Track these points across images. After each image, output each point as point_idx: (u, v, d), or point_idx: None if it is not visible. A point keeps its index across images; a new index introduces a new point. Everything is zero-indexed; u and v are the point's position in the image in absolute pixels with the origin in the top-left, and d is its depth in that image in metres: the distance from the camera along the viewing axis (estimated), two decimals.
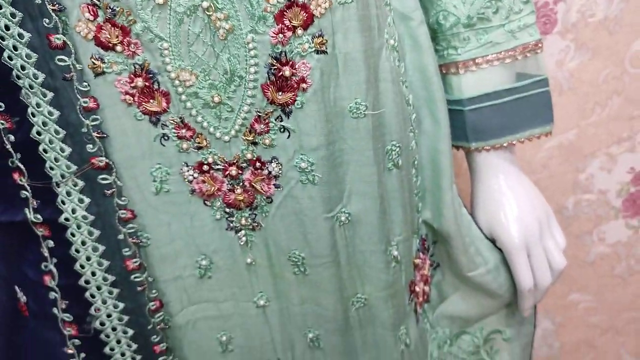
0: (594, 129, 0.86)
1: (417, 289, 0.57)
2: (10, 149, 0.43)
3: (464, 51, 0.53)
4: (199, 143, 0.45)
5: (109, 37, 0.41)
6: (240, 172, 0.47)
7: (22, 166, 0.44)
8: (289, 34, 0.42)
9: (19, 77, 0.41)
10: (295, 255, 0.50)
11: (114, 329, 0.49)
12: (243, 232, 0.49)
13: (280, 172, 0.47)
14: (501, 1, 0.51)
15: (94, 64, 0.42)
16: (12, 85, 0.41)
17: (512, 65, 0.54)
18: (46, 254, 0.46)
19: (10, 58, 0.40)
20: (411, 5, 0.50)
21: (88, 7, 0.40)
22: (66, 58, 0.41)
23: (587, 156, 0.89)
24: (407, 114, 0.52)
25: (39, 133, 0.42)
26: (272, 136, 0.45)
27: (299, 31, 0.42)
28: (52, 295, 0.48)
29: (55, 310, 0.48)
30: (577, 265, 0.97)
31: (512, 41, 0.53)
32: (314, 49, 0.43)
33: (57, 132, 0.42)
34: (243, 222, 0.49)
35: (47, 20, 0.40)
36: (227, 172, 0.47)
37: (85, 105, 0.42)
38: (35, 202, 0.45)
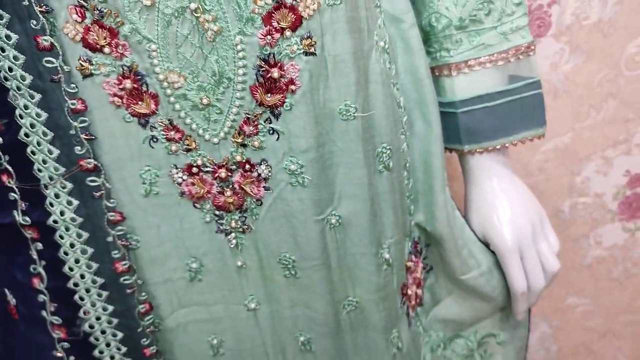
0: (589, 132, 0.86)
1: (409, 292, 0.57)
2: None
3: (456, 53, 0.53)
4: (188, 145, 0.45)
5: (96, 38, 0.41)
6: (229, 174, 0.46)
7: (10, 168, 0.43)
8: (277, 35, 0.42)
9: (6, 79, 0.40)
10: (285, 258, 0.49)
11: (103, 332, 0.49)
12: (233, 234, 0.49)
13: (269, 174, 0.46)
14: (493, 3, 0.51)
15: (82, 65, 0.42)
16: None
17: (504, 68, 0.54)
18: (35, 256, 0.46)
19: None
20: (402, 7, 0.50)
21: (76, 9, 0.40)
22: (54, 60, 0.41)
23: (583, 159, 0.88)
24: (398, 116, 0.51)
25: (26, 135, 0.42)
26: (261, 138, 0.45)
27: (287, 33, 0.42)
28: (41, 297, 0.48)
29: (44, 313, 0.48)
30: (574, 269, 0.97)
31: (504, 43, 0.53)
32: (302, 50, 0.43)
33: (45, 134, 0.42)
34: (233, 224, 0.49)
35: (35, 22, 0.39)
36: (217, 175, 0.46)
37: (73, 107, 0.42)
38: (23, 204, 0.45)
